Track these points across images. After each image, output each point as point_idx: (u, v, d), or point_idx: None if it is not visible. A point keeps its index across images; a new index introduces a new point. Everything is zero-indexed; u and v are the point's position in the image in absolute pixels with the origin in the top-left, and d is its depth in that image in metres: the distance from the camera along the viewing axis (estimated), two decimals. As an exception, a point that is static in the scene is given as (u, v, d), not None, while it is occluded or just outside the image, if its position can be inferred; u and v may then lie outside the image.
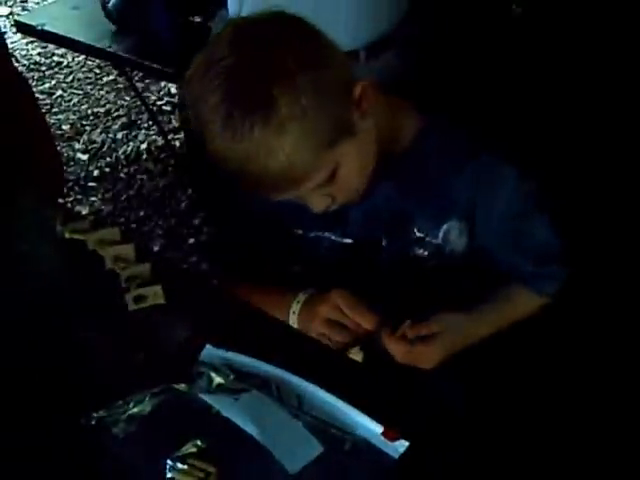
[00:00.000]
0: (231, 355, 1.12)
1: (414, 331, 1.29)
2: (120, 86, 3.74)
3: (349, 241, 1.40)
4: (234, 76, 1.13)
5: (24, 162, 1.69)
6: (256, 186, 1.20)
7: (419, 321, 1.31)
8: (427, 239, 1.36)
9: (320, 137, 1.15)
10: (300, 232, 1.42)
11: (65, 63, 3.92)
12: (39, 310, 1.26)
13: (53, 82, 3.76)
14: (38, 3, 4.09)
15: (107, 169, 3.29)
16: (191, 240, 2.92)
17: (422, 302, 1.40)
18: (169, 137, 3.35)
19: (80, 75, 3.84)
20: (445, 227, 1.35)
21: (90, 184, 3.20)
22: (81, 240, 1.35)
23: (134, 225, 3.00)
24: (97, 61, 3.77)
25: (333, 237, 1.40)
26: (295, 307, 1.36)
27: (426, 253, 1.38)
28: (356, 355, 1.33)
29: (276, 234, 1.45)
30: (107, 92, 3.73)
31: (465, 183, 1.33)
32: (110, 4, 2.82)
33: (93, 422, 1.06)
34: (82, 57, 3.86)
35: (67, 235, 1.37)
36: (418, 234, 1.36)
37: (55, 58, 3.93)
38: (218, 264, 1.68)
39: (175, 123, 3.46)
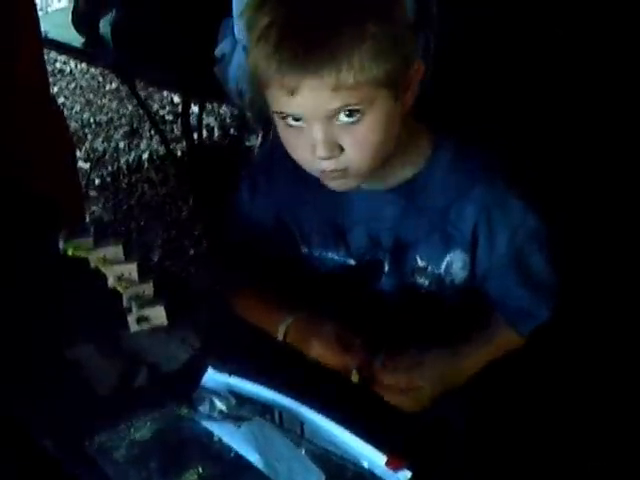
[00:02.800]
0: (233, 380, 1.11)
1: (391, 379, 1.27)
2: (122, 94, 3.75)
3: (352, 262, 1.39)
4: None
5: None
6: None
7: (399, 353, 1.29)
8: (429, 268, 1.35)
9: (378, 62, 1.15)
10: (306, 250, 1.41)
11: (68, 70, 3.92)
12: (39, 328, 1.26)
13: (56, 89, 3.77)
14: (41, 10, 4.09)
15: (108, 177, 3.29)
16: (191, 251, 2.92)
17: (417, 331, 1.39)
18: (171, 146, 3.36)
19: (83, 83, 3.85)
20: (448, 258, 1.34)
21: (91, 192, 3.20)
22: (84, 258, 1.35)
23: (134, 234, 3.00)
24: (100, 69, 3.77)
25: (337, 257, 1.39)
26: (280, 334, 1.33)
27: (427, 282, 1.36)
28: (353, 376, 1.32)
29: (279, 249, 1.44)
30: (109, 100, 3.74)
31: (472, 211, 1.31)
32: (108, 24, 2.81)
33: (95, 447, 1.05)
34: (85, 65, 3.87)
35: (70, 252, 1.36)
36: (420, 263, 1.35)
37: (58, 65, 3.94)
38: (219, 272, 1.66)
39: (177, 132, 3.46)
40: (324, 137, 1.19)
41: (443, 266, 1.34)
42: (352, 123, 1.18)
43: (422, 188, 1.32)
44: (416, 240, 1.34)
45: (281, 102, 1.19)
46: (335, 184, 1.27)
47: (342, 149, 1.20)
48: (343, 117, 1.18)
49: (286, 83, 1.16)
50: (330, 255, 1.39)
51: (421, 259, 1.35)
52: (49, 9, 3.92)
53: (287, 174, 1.35)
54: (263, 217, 1.43)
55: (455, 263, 1.34)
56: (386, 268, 1.37)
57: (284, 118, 1.21)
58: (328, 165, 1.22)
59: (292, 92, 1.16)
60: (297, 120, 1.20)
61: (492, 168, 1.33)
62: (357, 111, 1.17)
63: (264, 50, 1.16)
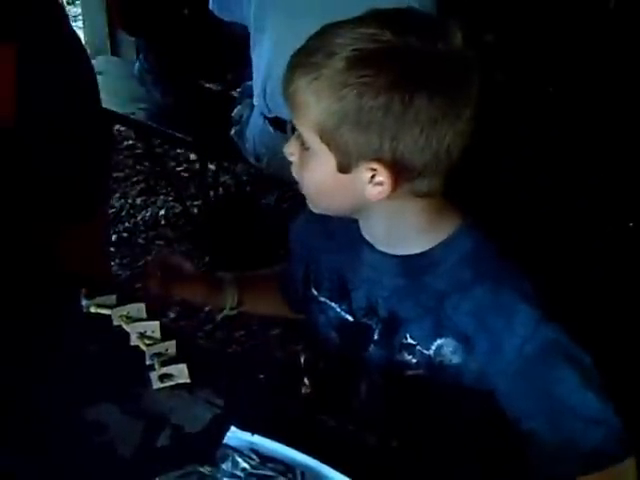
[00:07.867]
0: (256, 439, 1.12)
1: None
2: (139, 151, 3.78)
3: (351, 319, 1.38)
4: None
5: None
6: None
7: None
8: (417, 347, 1.30)
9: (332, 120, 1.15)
10: (315, 292, 1.43)
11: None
12: (61, 387, 1.27)
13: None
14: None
15: (125, 234, 3.31)
16: (206, 308, 2.91)
17: (404, 407, 1.37)
18: (187, 204, 3.38)
19: (99, 140, 3.88)
20: (439, 342, 1.28)
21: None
22: (106, 315, 1.36)
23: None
24: (117, 126, 3.81)
25: (338, 309, 1.39)
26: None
27: (414, 360, 1.31)
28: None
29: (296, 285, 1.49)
30: (126, 157, 3.77)
31: (467, 308, 1.25)
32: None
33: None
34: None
35: (93, 309, 1.38)
36: (409, 340, 1.31)
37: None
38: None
39: (193, 190, 3.49)
40: (292, 138, 1.24)
41: (433, 348, 1.28)
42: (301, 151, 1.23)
43: (429, 266, 1.28)
44: (409, 318, 1.30)
45: None
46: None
47: None
48: None
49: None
50: (333, 305, 1.40)
51: (411, 337, 1.30)
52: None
53: (322, 224, 1.38)
54: (296, 251, 1.50)
55: (446, 347, 1.27)
56: (376, 336, 1.34)
57: None
58: (293, 172, 1.27)
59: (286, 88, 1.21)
60: None
61: (503, 273, 1.26)
62: (308, 148, 1.21)
63: None
